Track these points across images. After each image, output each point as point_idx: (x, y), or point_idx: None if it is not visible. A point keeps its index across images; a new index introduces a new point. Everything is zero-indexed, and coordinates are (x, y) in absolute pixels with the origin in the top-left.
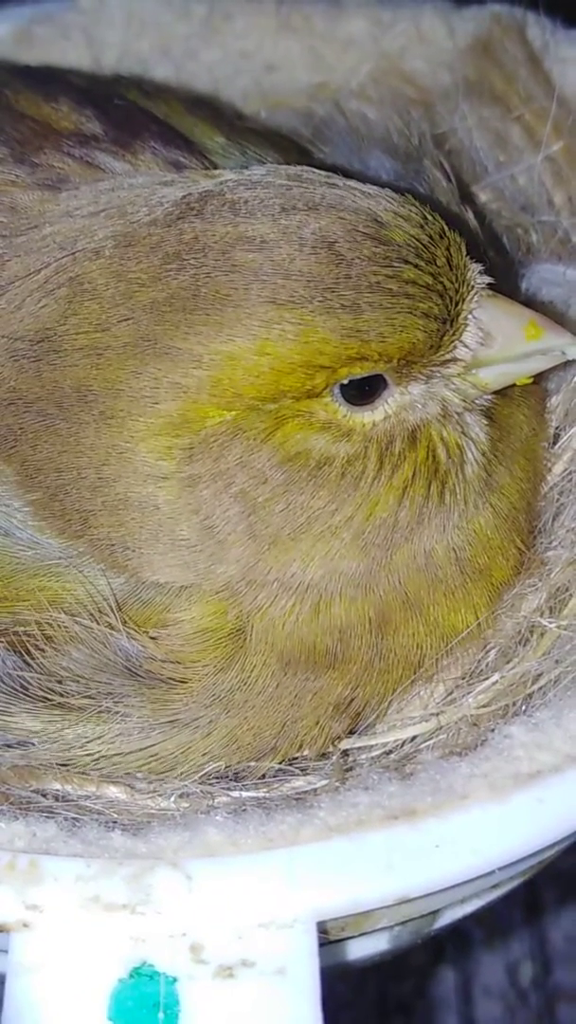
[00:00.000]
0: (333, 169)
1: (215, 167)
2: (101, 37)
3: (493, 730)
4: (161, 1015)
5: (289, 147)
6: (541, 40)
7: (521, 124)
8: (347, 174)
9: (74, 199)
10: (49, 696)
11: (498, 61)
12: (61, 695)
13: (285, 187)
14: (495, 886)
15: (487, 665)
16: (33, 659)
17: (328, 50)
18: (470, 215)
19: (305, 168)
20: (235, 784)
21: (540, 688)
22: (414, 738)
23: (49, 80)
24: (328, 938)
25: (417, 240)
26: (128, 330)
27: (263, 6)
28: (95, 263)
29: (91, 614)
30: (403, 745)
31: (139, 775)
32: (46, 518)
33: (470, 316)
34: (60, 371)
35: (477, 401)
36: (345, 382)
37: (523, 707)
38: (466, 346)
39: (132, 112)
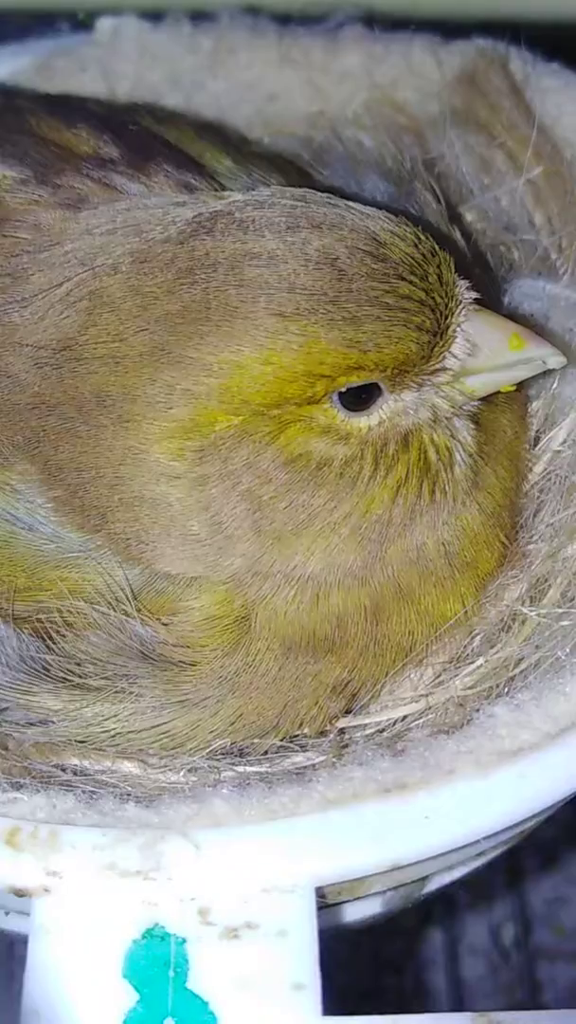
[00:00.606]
0: (332, 191)
1: (223, 188)
2: (116, 69)
3: (478, 710)
4: (171, 973)
5: (291, 170)
6: (522, 72)
7: (504, 150)
8: (345, 196)
9: (93, 218)
10: (69, 677)
11: (483, 91)
12: (80, 676)
13: (290, 207)
14: (480, 854)
15: (472, 650)
16: (54, 643)
17: (325, 81)
18: (458, 234)
19: (307, 190)
20: (240, 760)
21: (521, 671)
22: (405, 717)
23: (69, 108)
24: (326, 902)
25: (411, 258)
26: (144, 340)
27: (265, 40)
28: (113, 278)
29: (108, 602)
30: (395, 724)
31: (151, 751)
32: (67, 513)
33: (458, 329)
34: (80, 378)
35: (464, 407)
36: (343, 390)
37: (506, 689)
38: (455, 356)
39: (146, 137)
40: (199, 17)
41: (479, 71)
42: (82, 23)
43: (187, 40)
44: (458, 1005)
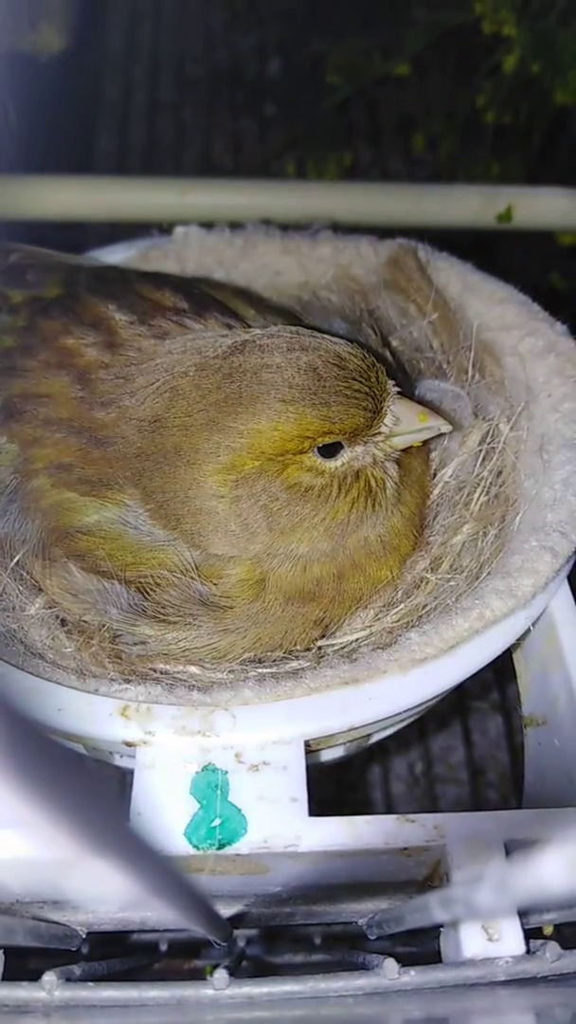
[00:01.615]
0: (314, 328)
1: (250, 327)
2: (185, 256)
3: (400, 635)
4: (219, 792)
5: (290, 316)
6: (425, 257)
7: (415, 303)
8: (322, 331)
9: (173, 344)
10: (157, 616)
11: (402, 269)
12: (164, 615)
13: (289, 337)
14: (402, 720)
15: (397, 599)
16: (149, 596)
17: (309, 263)
18: (388, 353)
19: (299, 327)
20: (258, 665)
21: (426, 612)
22: (357, 640)
23: (158, 279)
24: (310, 749)
25: (361, 367)
26: (203, 416)
27: (273, 239)
28: (185, 379)
29: (181, 571)
30: (351, 644)
31: (206, 659)
32: (157, 518)
33: (389, 409)
34: (165, 438)
35: (392, 455)
36: (320, 445)
37: (417, 623)
38: (386, 425)
39: (204, 297)
40: (235, 226)
41: (400, 256)
42: (165, 230)
43: (227, 239)
44: (389, 811)
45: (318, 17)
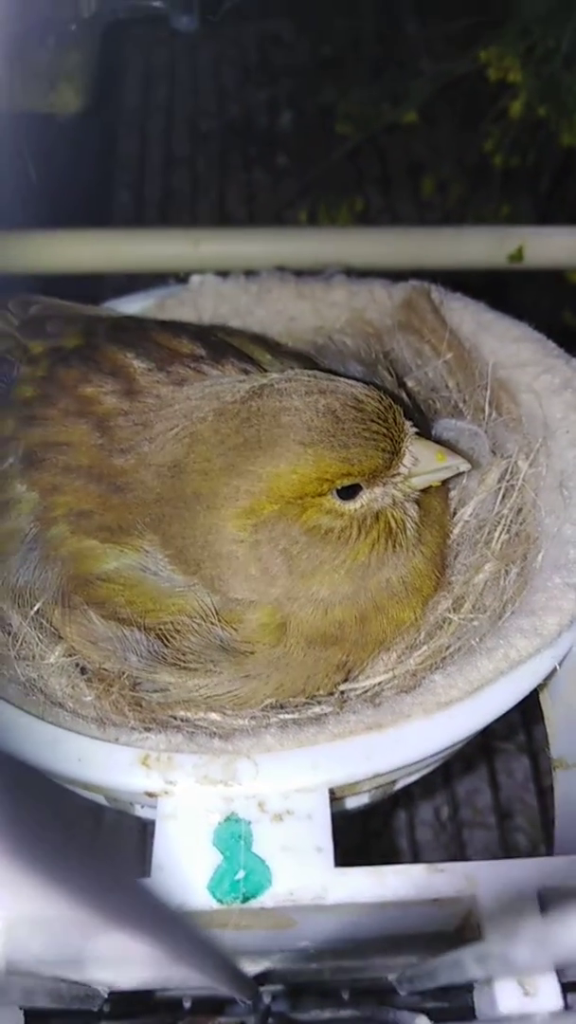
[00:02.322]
0: (330, 371)
1: (267, 372)
2: (201, 305)
3: (424, 678)
4: (242, 842)
5: (306, 360)
6: (439, 298)
7: (429, 344)
8: (338, 374)
9: (191, 390)
10: (177, 663)
11: (416, 311)
12: (184, 662)
13: (306, 381)
14: (427, 765)
15: (420, 641)
16: (169, 642)
17: (323, 307)
18: (404, 394)
19: (316, 371)
20: (280, 711)
21: (450, 654)
22: (380, 683)
23: (176, 327)
24: (335, 797)
25: (378, 409)
26: (222, 461)
27: (288, 285)
28: (203, 424)
29: (201, 616)
30: (374, 687)
31: (227, 706)
32: (176, 564)
33: (407, 449)
34: (185, 483)
35: (411, 495)
36: (339, 488)
37: (441, 664)
38: (405, 466)
39: (221, 344)
40: (250, 273)
41: (414, 298)
42: (181, 279)
43: (242, 286)
44: (415, 858)
45: (327, 70)
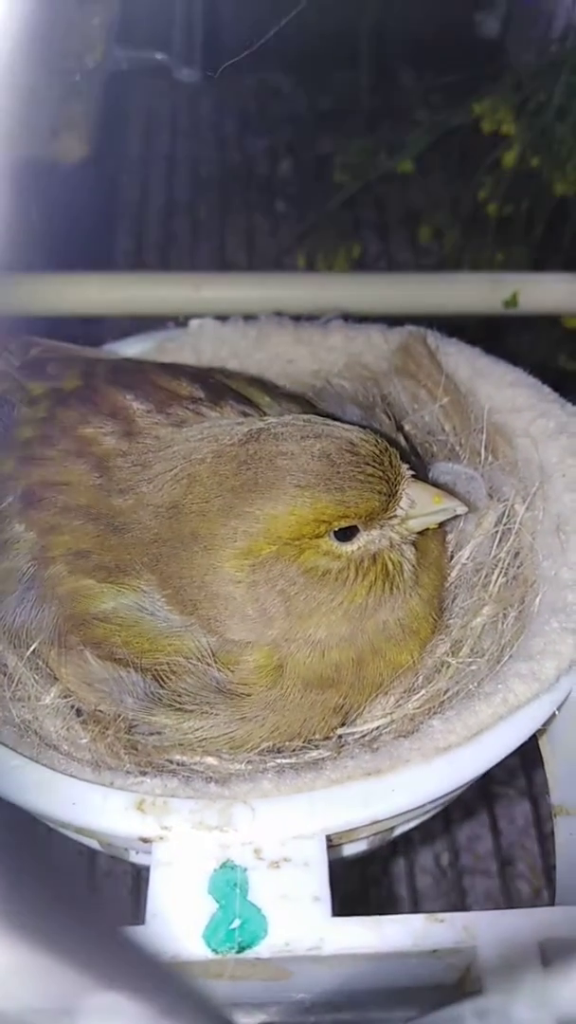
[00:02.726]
0: (327, 415)
1: (265, 415)
2: (200, 347)
3: (422, 722)
4: (237, 890)
5: (304, 403)
6: (435, 343)
7: (425, 388)
8: (335, 418)
9: (190, 432)
10: (173, 704)
11: (412, 355)
12: (180, 704)
13: (302, 425)
14: (426, 811)
15: (418, 685)
16: (165, 683)
17: (321, 351)
18: (401, 438)
19: (313, 415)
20: (277, 755)
21: (448, 698)
22: (378, 727)
23: (175, 369)
24: (332, 843)
25: (374, 452)
26: (220, 502)
27: (286, 330)
28: (202, 466)
29: (198, 658)
30: (372, 732)
31: (223, 750)
32: (173, 604)
33: (404, 492)
34: (182, 524)
35: (408, 538)
36: (336, 529)
37: (439, 708)
38: (402, 508)
39: (219, 386)
40: (249, 318)
41: (410, 343)
42: (181, 323)
43: (241, 330)
44: (415, 907)
45: (325, 121)
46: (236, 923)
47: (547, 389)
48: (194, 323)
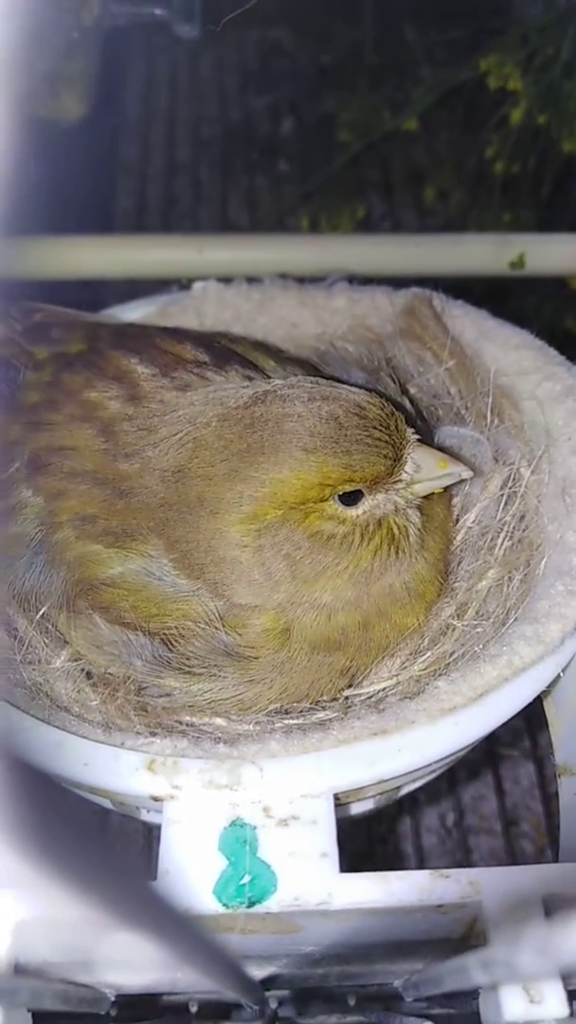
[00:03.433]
0: (333, 378)
1: (270, 378)
2: (204, 311)
3: (428, 684)
4: (247, 847)
5: (309, 367)
6: (440, 305)
7: (431, 351)
8: (341, 381)
9: (195, 396)
10: (182, 667)
11: (418, 318)
12: (189, 667)
13: (309, 387)
14: (432, 771)
15: (424, 647)
16: (173, 647)
17: (325, 315)
18: (406, 401)
19: (318, 378)
20: (285, 716)
21: (453, 660)
22: (384, 689)
23: (179, 333)
24: (339, 802)
25: (380, 416)
26: (225, 466)
27: (290, 292)
28: (207, 429)
29: (206, 622)
30: (378, 693)
31: (232, 711)
32: (180, 569)
33: (409, 456)
34: (188, 488)
35: (413, 502)
36: (341, 493)
37: (444, 670)
38: (407, 473)
39: (224, 350)
40: (252, 280)
41: (415, 305)
42: (184, 286)
43: (245, 293)
44: (421, 864)
45: (328, 78)
46: (246, 879)
47: (553, 351)
48: (197, 286)
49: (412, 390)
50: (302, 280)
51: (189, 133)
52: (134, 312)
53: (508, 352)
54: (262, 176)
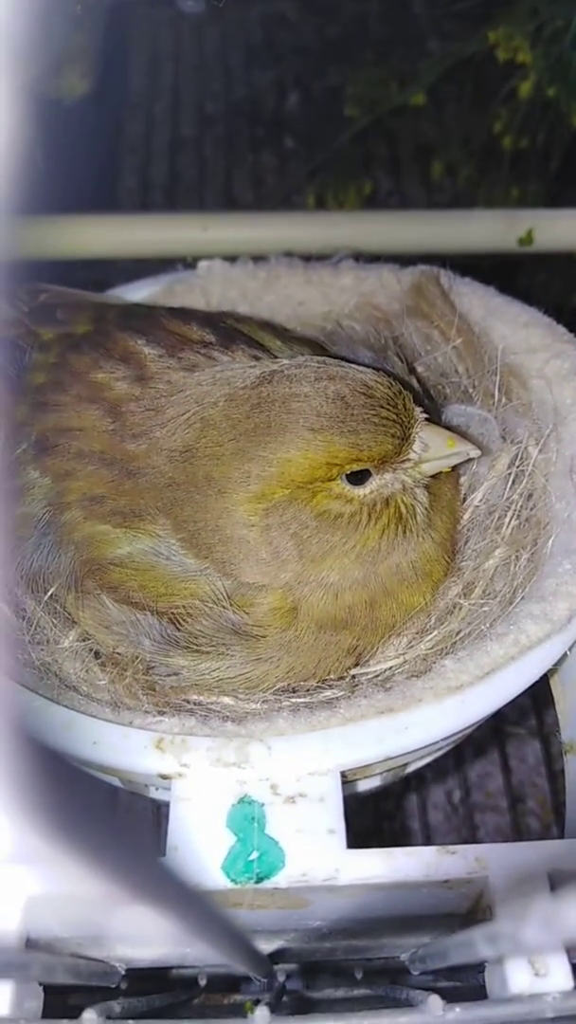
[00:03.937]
0: (340, 357)
1: (276, 358)
2: (209, 290)
3: (435, 662)
4: (255, 824)
5: (315, 346)
6: (448, 283)
7: (438, 329)
8: (348, 360)
9: (202, 376)
10: (190, 646)
11: (425, 295)
12: (196, 645)
13: (316, 367)
14: (439, 749)
15: (430, 626)
16: (181, 626)
17: (332, 293)
18: (414, 380)
19: (325, 357)
20: (292, 695)
21: (460, 639)
22: (391, 668)
23: (185, 313)
24: (346, 779)
25: (388, 395)
26: (233, 446)
27: (296, 270)
28: (215, 409)
29: (213, 600)
30: (385, 672)
31: (240, 690)
32: (188, 548)
33: (417, 436)
34: (196, 468)
35: (421, 481)
36: (349, 473)
37: (451, 649)
38: (415, 452)
39: (230, 330)
40: (258, 259)
41: (422, 283)
42: (189, 264)
43: (251, 272)
44: (427, 840)
45: (334, 51)
46: (254, 855)
47: (562, 329)
48: (203, 265)
49: (420, 369)
50: (308, 258)
51: (193, 109)
52: (139, 292)
53: (516, 330)
54: (267, 152)
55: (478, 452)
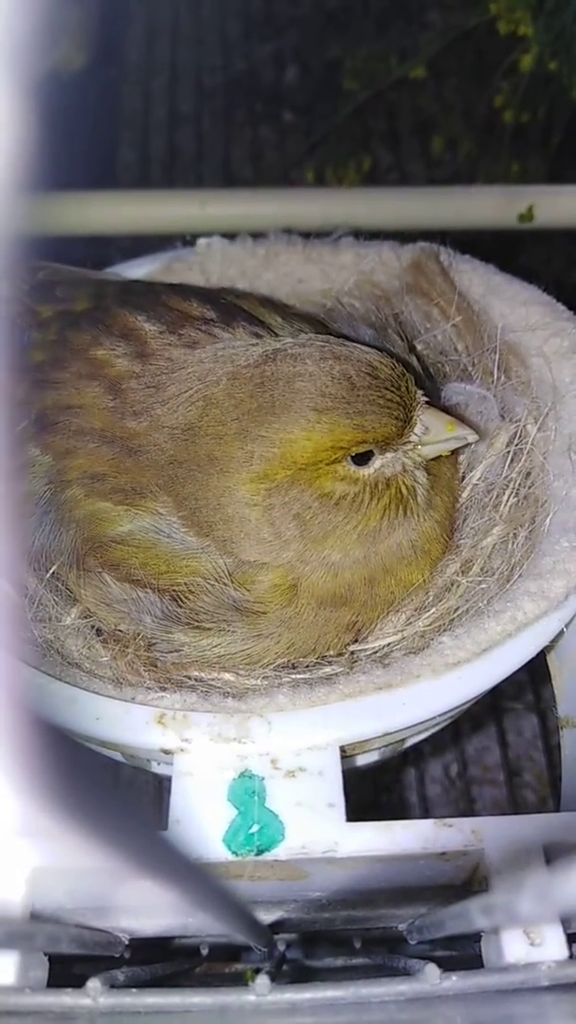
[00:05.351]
0: (342, 336)
1: (277, 336)
2: (208, 268)
3: (433, 639)
4: (255, 798)
5: (316, 323)
6: (448, 260)
7: (438, 307)
8: (350, 339)
9: (203, 353)
10: (191, 623)
11: (425, 273)
12: (198, 622)
13: (320, 345)
14: (436, 724)
15: (428, 603)
16: (183, 603)
17: (332, 270)
18: (414, 359)
19: (329, 335)
20: (292, 671)
21: (458, 615)
22: (389, 644)
23: (184, 290)
24: (345, 754)
25: (391, 377)
26: (236, 425)
27: (296, 247)
28: (217, 387)
29: (215, 578)
30: (384, 648)
31: (240, 666)
32: (189, 526)
33: (418, 419)
34: (198, 446)
35: (421, 463)
36: (352, 454)
37: (449, 626)
38: (416, 435)
39: (230, 306)
40: (257, 235)
41: (422, 260)
42: (188, 242)
43: (250, 249)
44: (425, 813)
45: (333, 24)
46: (255, 828)
47: (562, 307)
48: (202, 242)
49: (419, 347)
50: (307, 235)
51: (191, 82)
52: (138, 269)
53: (516, 308)
54: (266, 127)
55: (476, 437)
